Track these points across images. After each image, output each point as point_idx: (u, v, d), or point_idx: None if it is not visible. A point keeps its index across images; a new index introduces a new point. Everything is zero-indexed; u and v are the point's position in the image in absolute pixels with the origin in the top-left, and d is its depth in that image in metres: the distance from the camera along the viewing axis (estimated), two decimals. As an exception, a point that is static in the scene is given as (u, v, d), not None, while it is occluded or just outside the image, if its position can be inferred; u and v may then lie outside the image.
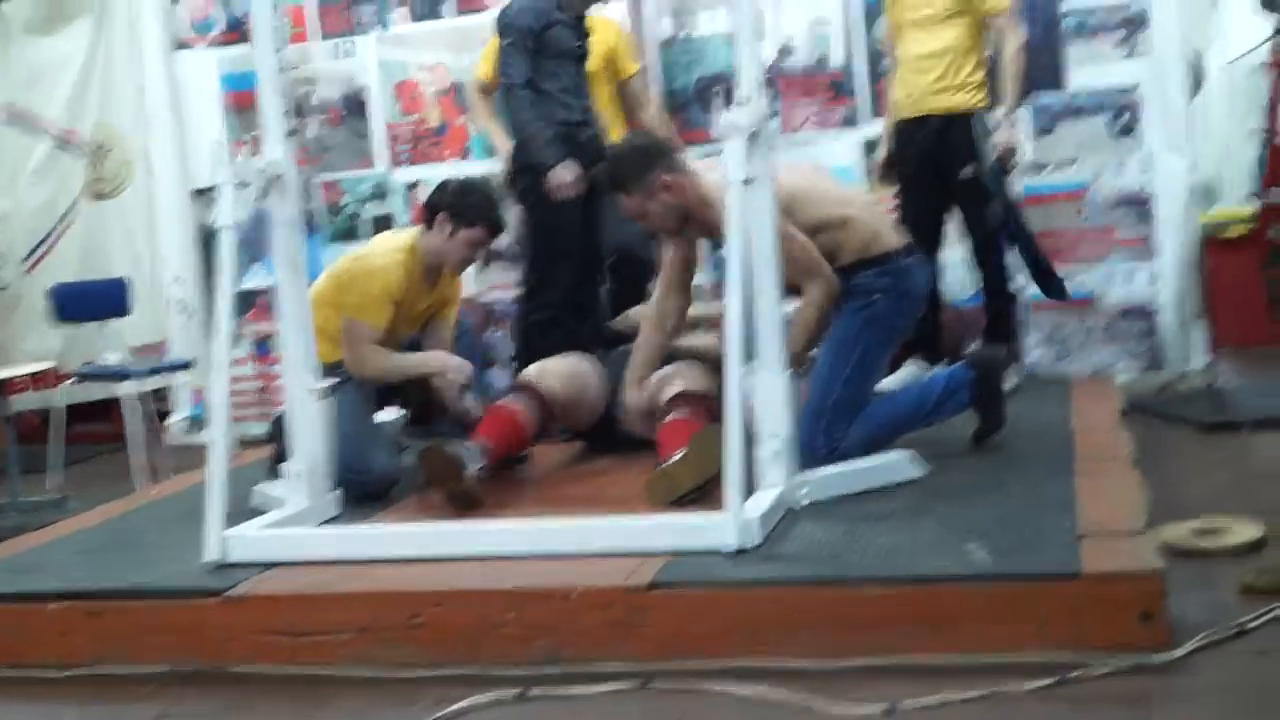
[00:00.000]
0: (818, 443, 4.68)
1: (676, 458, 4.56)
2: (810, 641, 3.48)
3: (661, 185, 4.76)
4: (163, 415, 7.66)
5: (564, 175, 5.85)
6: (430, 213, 5.30)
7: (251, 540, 4.23)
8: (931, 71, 6.10)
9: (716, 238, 4.69)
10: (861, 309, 4.81)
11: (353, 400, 5.14)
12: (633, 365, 5.09)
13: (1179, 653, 3.28)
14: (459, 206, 5.24)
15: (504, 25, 6.06)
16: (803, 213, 4.66)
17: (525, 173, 6.04)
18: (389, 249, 5.33)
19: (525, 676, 3.50)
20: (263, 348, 7.63)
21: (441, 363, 5.27)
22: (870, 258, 4.81)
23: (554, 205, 5.89)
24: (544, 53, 5.99)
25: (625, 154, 4.99)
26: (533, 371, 5.26)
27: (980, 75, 6.13)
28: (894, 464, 4.64)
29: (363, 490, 4.97)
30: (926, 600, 3.50)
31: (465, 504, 4.68)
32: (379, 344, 5.22)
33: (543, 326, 6.02)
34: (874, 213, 5.02)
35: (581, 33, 6.16)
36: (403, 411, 6.38)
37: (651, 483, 4.57)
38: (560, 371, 5.25)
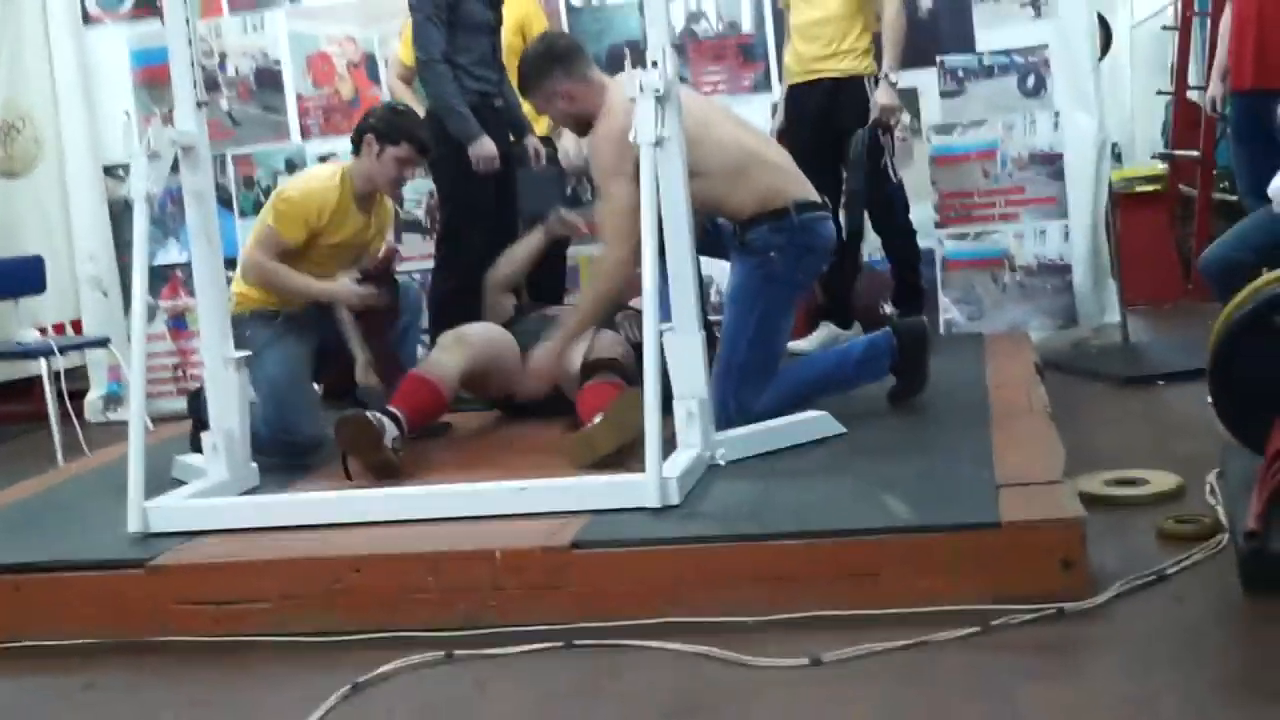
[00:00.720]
0: (729, 406, 4.70)
1: (597, 421, 4.57)
2: (732, 597, 3.49)
3: (557, 92, 4.85)
4: (79, 393, 7.57)
5: (487, 149, 5.84)
6: (358, 136, 5.37)
7: (173, 511, 4.21)
8: (819, 39, 6.20)
9: None
10: (759, 266, 4.81)
11: (288, 357, 5.21)
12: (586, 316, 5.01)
13: (1099, 600, 3.32)
14: (384, 127, 5.32)
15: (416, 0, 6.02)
16: (700, 155, 4.61)
17: (439, 145, 6.03)
18: (323, 174, 5.43)
19: (449, 639, 3.49)
20: (178, 323, 7.60)
21: (331, 292, 5.33)
22: (768, 212, 4.80)
23: (469, 177, 5.88)
24: (456, 25, 5.96)
25: (530, 56, 5.02)
26: (449, 338, 5.25)
27: (866, 41, 6.22)
28: (810, 422, 4.67)
29: (289, 452, 5.00)
30: (847, 553, 3.52)
31: (385, 473, 4.67)
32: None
33: (455, 295, 6.01)
34: (776, 163, 4.98)
35: (494, 3, 6.14)
36: (316, 384, 6.36)
37: (571, 445, 4.57)
38: (475, 339, 5.25)
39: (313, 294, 5.34)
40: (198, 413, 5.03)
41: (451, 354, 5.15)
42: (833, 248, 5.05)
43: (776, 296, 4.87)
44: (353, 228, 5.40)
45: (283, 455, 4.97)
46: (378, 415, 4.73)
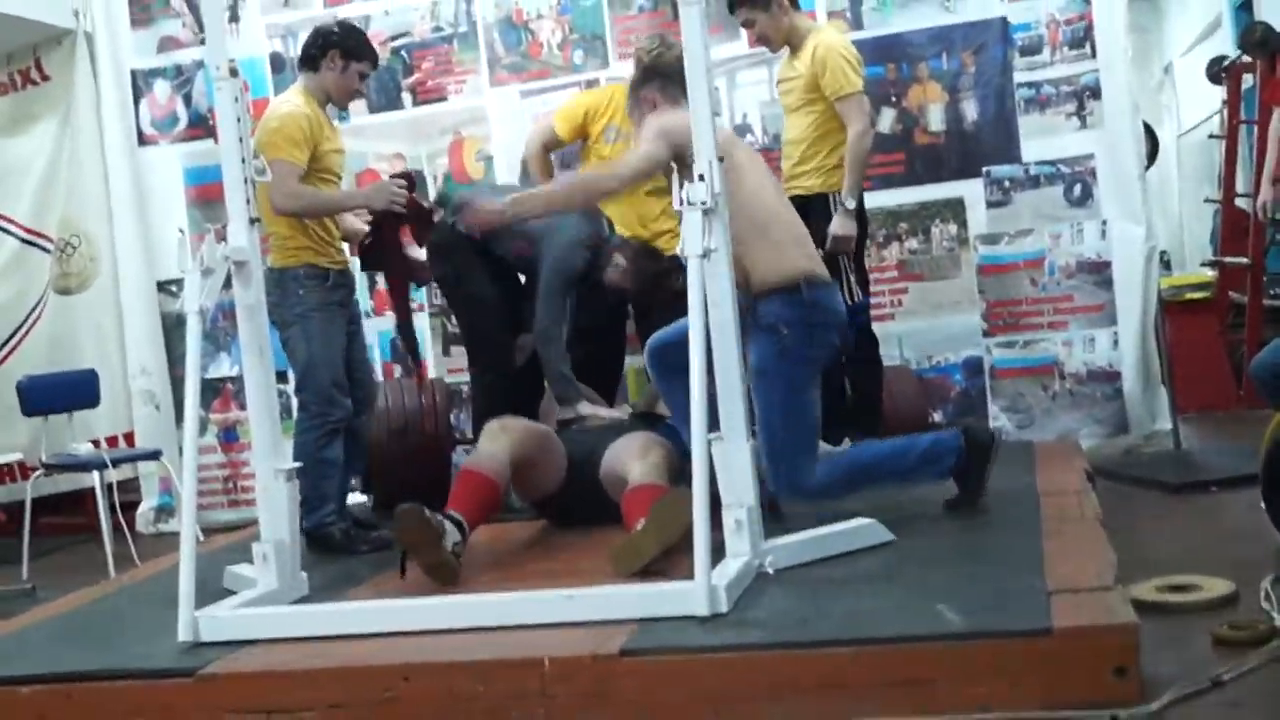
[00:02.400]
0: (796, 484, 4.77)
1: (639, 527, 4.56)
2: (783, 706, 3.47)
3: (647, 99, 5.18)
4: (130, 505, 7.62)
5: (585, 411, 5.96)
6: (319, 52, 5.65)
7: (223, 620, 4.21)
8: (793, 156, 6.17)
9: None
10: (773, 343, 4.84)
11: (334, 333, 5.55)
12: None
13: (1154, 706, 3.27)
14: (348, 43, 5.67)
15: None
16: (733, 204, 4.66)
17: (449, 274, 6.13)
18: (288, 101, 5.63)
19: (499, 748, 3.49)
20: (229, 435, 7.65)
21: (363, 195, 5.82)
22: (779, 286, 4.83)
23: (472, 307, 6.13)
24: None
25: (645, 63, 5.64)
26: (493, 426, 5.29)
27: (837, 159, 6.02)
28: (859, 530, 4.65)
29: (328, 424, 5.44)
30: (898, 661, 3.49)
31: (442, 577, 4.64)
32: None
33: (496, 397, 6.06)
34: (792, 230, 5.00)
35: None
36: (366, 497, 6.39)
37: (616, 553, 4.56)
38: (518, 426, 5.29)
39: (347, 202, 5.65)
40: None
41: (498, 441, 5.19)
42: (843, 320, 5.05)
43: (794, 372, 4.88)
44: (333, 136, 5.69)
45: (329, 425, 5.44)
46: (437, 517, 4.72)
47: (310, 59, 5.65)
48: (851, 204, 5.96)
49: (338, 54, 5.60)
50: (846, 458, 4.91)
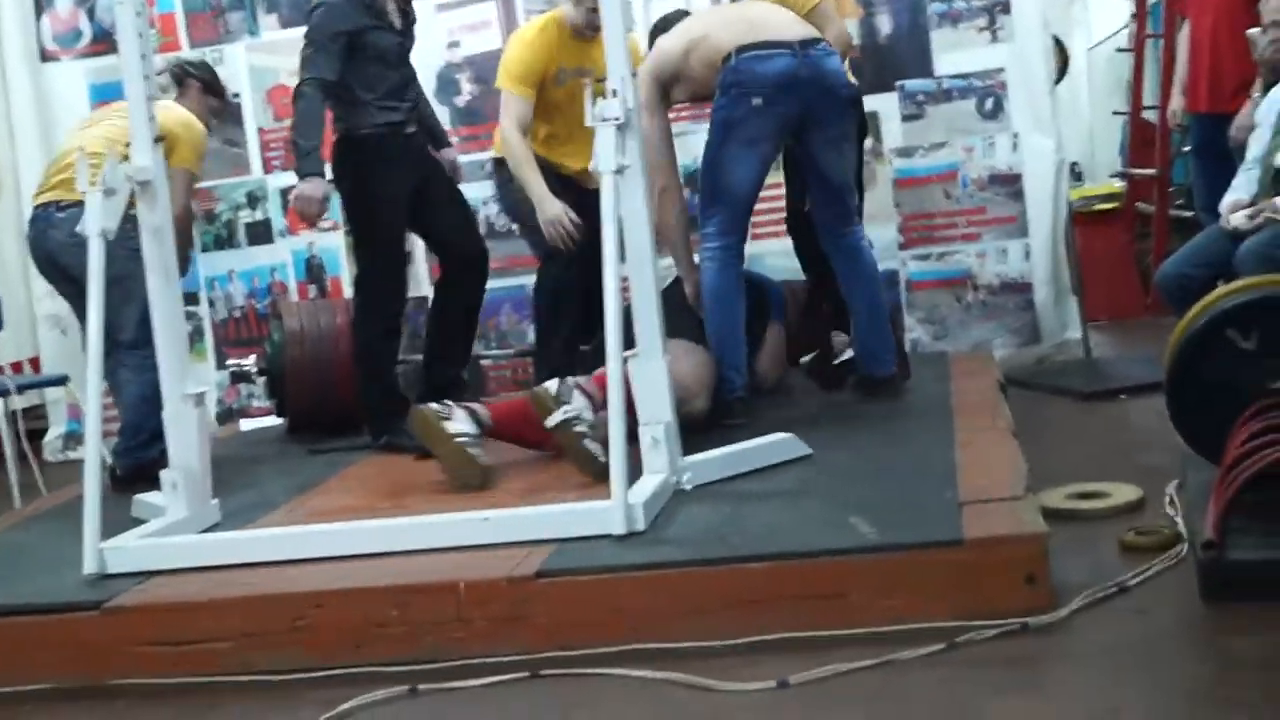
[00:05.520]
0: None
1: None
2: (699, 622, 3.48)
3: None
4: (38, 433, 7.51)
5: (309, 190, 5.53)
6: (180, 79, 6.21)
7: (130, 551, 4.14)
8: None
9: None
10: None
11: None
12: (676, 249, 5.53)
13: (1063, 613, 3.33)
14: (209, 79, 6.35)
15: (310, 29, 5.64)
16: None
17: (344, 180, 5.81)
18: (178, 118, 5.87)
19: (413, 673, 3.47)
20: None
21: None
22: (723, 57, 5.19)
23: (376, 211, 5.75)
24: (361, 58, 5.60)
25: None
26: None
27: None
28: (776, 445, 4.64)
29: None
30: (813, 575, 3.51)
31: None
32: None
33: (383, 339, 5.85)
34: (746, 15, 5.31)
35: (404, 33, 5.83)
36: (281, 418, 6.33)
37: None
38: None
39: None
40: None
41: None
42: (767, 81, 5.06)
43: (716, 133, 5.20)
44: None
45: None
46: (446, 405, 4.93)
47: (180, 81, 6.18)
48: None
49: (200, 88, 6.19)
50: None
